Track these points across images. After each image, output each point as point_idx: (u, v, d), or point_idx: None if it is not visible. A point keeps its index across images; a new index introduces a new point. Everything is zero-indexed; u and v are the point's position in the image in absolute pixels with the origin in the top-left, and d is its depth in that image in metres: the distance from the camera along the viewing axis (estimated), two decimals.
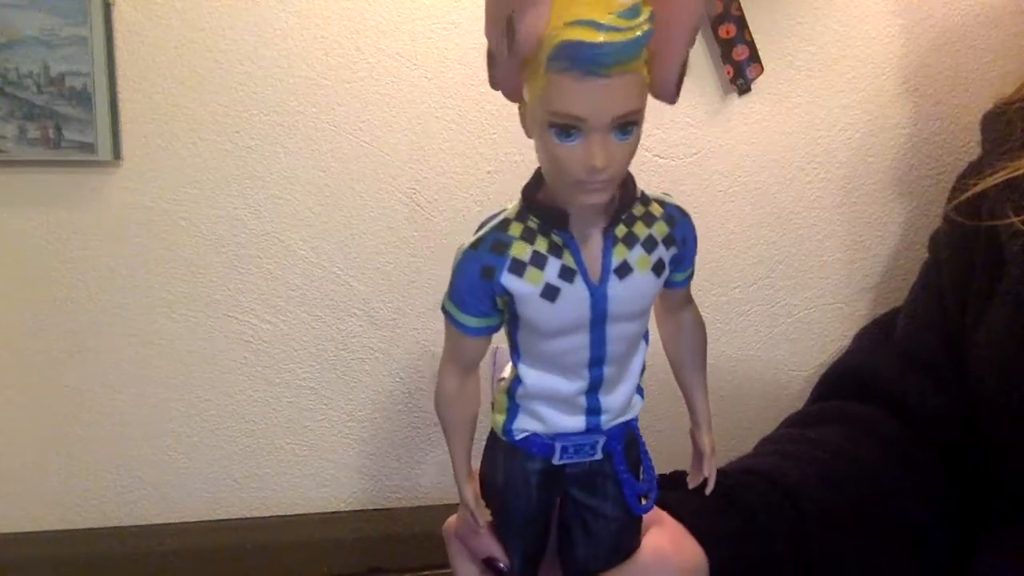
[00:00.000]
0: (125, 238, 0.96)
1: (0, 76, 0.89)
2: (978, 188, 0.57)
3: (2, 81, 0.89)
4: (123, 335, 0.97)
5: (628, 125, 0.28)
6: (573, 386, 0.36)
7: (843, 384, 0.70)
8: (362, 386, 1.03)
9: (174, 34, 0.93)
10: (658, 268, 0.34)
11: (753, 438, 0.69)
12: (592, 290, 0.32)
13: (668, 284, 0.36)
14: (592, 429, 0.38)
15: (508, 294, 0.33)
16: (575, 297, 0.32)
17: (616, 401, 0.38)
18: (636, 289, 0.33)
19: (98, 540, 0.98)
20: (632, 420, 0.40)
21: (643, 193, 0.35)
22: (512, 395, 0.37)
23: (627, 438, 0.40)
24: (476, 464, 0.42)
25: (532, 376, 0.36)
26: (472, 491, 0.40)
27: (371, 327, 1.02)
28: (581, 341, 0.34)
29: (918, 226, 1.13)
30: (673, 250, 0.35)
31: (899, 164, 1.12)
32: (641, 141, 0.31)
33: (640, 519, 0.43)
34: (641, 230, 0.33)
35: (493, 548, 0.41)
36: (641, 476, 0.42)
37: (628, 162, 0.31)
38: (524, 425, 0.38)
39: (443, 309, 0.36)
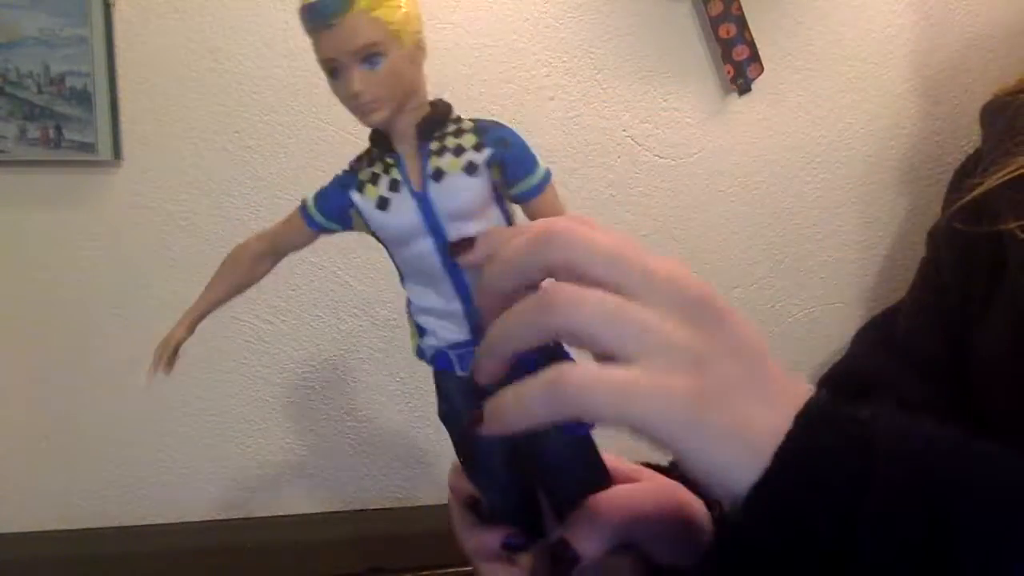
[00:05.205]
0: (125, 238, 0.96)
1: (0, 76, 0.89)
2: (981, 189, 0.57)
3: (2, 81, 0.89)
4: (123, 335, 0.97)
5: (372, 56, 0.37)
6: (444, 293, 0.40)
7: (843, 386, 0.70)
8: (362, 386, 1.03)
9: (174, 34, 0.93)
10: (470, 168, 0.39)
11: None
12: (416, 196, 0.39)
13: (518, 197, 0.40)
14: (477, 336, 0.40)
15: (356, 208, 0.40)
16: (403, 204, 0.39)
17: None
18: (453, 188, 0.39)
19: (98, 540, 0.98)
20: None
21: (459, 116, 0.42)
22: (411, 316, 0.42)
23: None
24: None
25: (413, 292, 0.41)
26: (180, 333, 0.42)
27: (371, 327, 1.02)
28: (427, 246, 0.39)
29: (918, 225, 1.13)
30: (488, 151, 0.39)
31: (899, 164, 1.12)
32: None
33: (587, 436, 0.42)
34: (451, 142, 0.40)
35: (468, 486, 0.43)
36: None
37: (392, 86, 0.38)
38: (428, 341, 0.41)
39: (302, 203, 0.42)
